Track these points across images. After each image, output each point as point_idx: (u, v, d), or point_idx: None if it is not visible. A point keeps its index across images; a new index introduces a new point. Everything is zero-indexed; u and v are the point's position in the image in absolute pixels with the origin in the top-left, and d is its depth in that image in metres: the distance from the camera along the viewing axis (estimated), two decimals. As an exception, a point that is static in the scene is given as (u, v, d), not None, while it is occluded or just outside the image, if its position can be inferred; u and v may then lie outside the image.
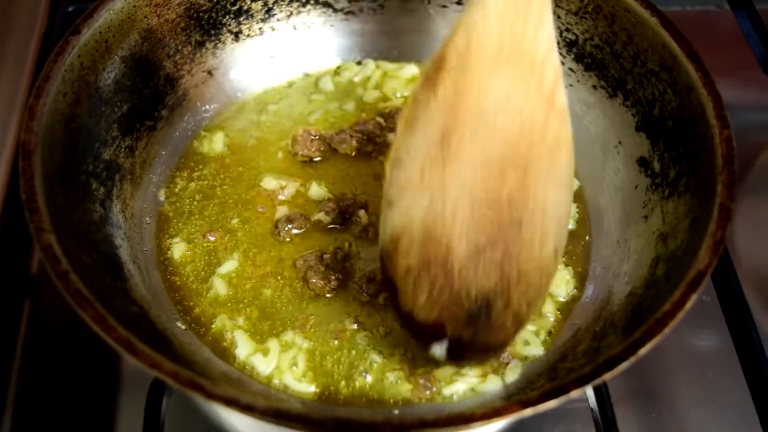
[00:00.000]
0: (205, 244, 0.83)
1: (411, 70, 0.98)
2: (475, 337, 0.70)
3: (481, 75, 0.62)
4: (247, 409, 0.55)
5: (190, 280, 0.81)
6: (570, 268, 0.82)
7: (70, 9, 1.10)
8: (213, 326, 0.78)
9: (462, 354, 0.72)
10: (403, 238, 0.68)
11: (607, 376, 0.58)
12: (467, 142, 0.64)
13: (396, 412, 0.73)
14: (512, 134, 0.63)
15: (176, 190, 0.87)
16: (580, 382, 0.57)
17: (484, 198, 0.65)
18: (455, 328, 0.70)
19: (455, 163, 0.65)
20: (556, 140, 0.63)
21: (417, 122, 0.64)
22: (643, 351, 0.59)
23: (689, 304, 0.61)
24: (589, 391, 0.75)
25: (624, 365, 0.58)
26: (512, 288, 0.67)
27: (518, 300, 0.68)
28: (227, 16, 0.90)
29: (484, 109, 0.63)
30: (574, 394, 0.57)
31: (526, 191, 0.65)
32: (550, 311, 0.79)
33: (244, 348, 0.76)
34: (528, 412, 0.56)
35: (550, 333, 0.78)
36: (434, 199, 0.66)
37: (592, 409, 0.75)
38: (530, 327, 0.78)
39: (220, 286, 0.80)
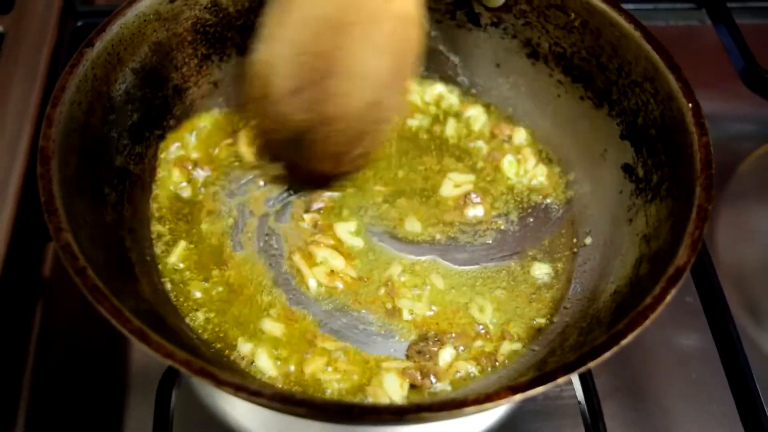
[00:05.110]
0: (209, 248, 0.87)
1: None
2: (303, 162, 0.86)
3: None
4: (255, 395, 0.58)
5: (194, 281, 0.84)
6: (556, 264, 0.87)
7: (80, 24, 1.13)
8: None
9: (298, 177, 0.90)
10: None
11: (591, 365, 0.61)
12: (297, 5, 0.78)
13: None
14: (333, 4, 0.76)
15: (183, 196, 0.90)
16: (567, 370, 0.61)
17: (304, 50, 0.78)
18: (283, 153, 0.88)
19: (287, 23, 0.79)
20: (376, 13, 0.75)
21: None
22: (625, 341, 0.63)
23: (669, 298, 0.65)
24: (577, 386, 0.79)
25: (607, 354, 0.62)
26: (326, 125, 0.81)
27: (336, 136, 0.82)
28: (232, 31, 0.94)
29: None
30: (561, 380, 0.60)
31: (343, 50, 0.76)
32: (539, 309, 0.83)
33: (245, 344, 0.79)
34: (518, 397, 0.59)
35: (539, 330, 0.82)
36: (268, 48, 0.81)
37: (579, 402, 0.78)
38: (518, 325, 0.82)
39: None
